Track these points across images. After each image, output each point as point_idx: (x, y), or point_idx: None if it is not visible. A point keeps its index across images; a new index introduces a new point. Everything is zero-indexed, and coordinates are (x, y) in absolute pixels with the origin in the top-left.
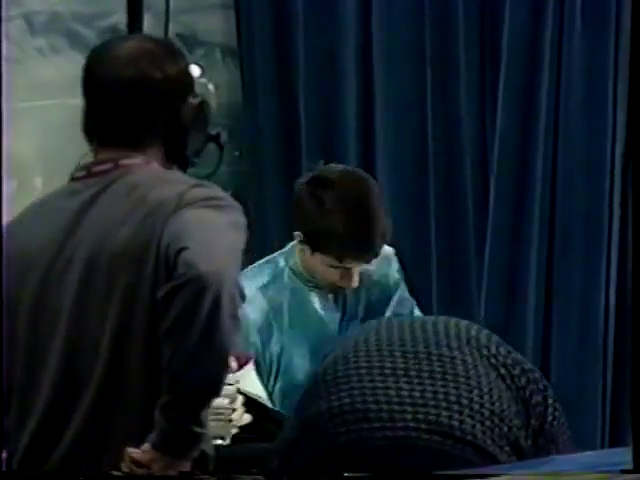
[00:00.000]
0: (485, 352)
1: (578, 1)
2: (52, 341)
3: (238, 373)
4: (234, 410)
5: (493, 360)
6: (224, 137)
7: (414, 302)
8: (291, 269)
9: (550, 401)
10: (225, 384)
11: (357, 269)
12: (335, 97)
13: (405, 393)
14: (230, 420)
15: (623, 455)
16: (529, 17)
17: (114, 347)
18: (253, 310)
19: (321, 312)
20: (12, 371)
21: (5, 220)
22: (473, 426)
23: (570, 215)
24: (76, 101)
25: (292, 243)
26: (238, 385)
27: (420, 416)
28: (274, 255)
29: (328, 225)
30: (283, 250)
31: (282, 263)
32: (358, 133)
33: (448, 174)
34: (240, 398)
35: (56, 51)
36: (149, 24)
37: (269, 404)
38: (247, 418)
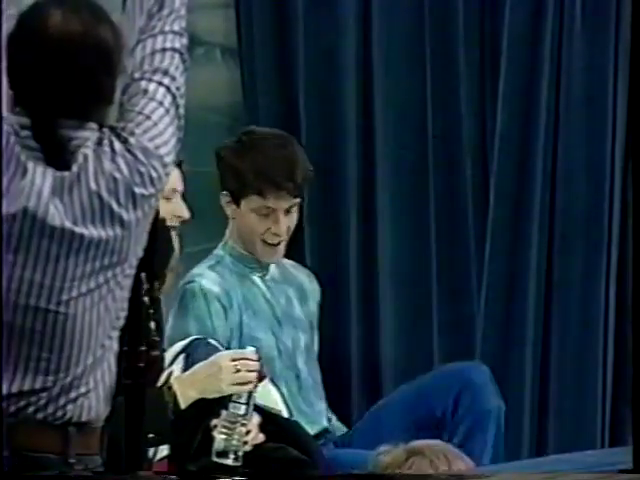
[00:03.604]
0: None
1: (578, 1)
2: None
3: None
4: (248, 432)
5: None
6: None
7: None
8: (230, 255)
9: None
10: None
11: (282, 214)
12: (335, 97)
13: None
14: (245, 442)
15: (623, 455)
16: (529, 17)
17: None
18: (206, 281)
19: (268, 295)
20: None
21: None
22: None
23: (570, 215)
24: None
25: (225, 237)
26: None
27: None
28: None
29: (246, 163)
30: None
31: (221, 252)
32: (358, 133)
33: (448, 174)
34: (256, 418)
35: None
36: None
37: (285, 414)
38: (261, 437)
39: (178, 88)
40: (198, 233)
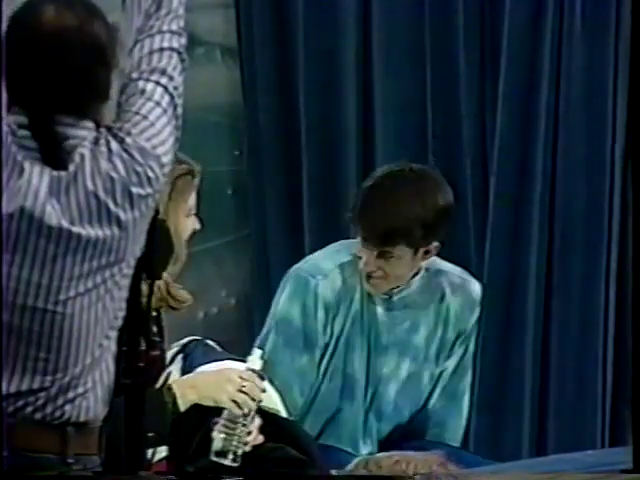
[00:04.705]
0: None
1: (578, 1)
2: None
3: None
4: (249, 433)
5: None
6: None
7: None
8: None
9: None
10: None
11: (374, 255)
12: (335, 97)
13: None
14: (245, 443)
15: (623, 455)
16: (529, 17)
17: None
18: (325, 285)
19: (383, 318)
20: None
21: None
22: None
23: (570, 215)
24: None
25: None
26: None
27: None
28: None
29: (357, 201)
30: None
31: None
32: (358, 133)
33: (448, 174)
34: (257, 420)
35: None
36: None
37: (284, 414)
38: (260, 439)
39: (176, 88)
40: (197, 233)
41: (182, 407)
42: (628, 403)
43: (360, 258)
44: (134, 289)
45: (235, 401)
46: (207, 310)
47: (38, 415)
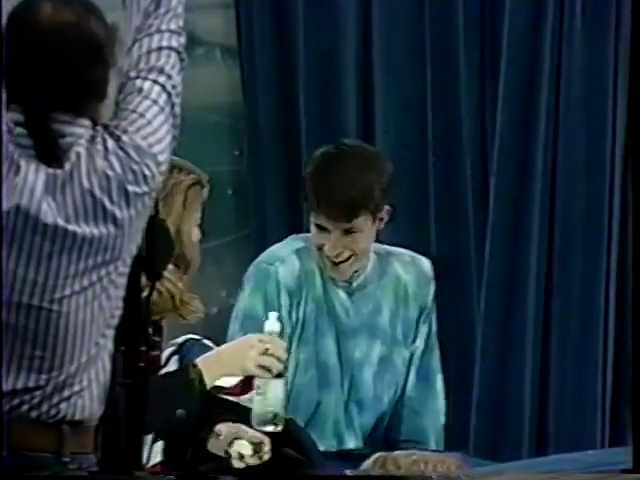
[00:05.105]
0: None
1: (578, 1)
2: None
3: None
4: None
5: None
6: None
7: (438, 371)
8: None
9: None
10: None
11: (339, 234)
12: (335, 97)
13: None
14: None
15: (623, 455)
16: (529, 17)
17: None
18: (285, 270)
19: (347, 304)
20: None
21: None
22: None
23: (570, 215)
24: None
25: None
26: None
27: None
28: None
29: (310, 178)
30: None
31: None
32: (358, 133)
33: (448, 174)
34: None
35: None
36: None
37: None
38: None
39: (174, 86)
40: None
41: (209, 383)
42: (628, 403)
43: (320, 249)
44: (133, 289)
45: (261, 365)
46: (207, 310)
47: (33, 413)
